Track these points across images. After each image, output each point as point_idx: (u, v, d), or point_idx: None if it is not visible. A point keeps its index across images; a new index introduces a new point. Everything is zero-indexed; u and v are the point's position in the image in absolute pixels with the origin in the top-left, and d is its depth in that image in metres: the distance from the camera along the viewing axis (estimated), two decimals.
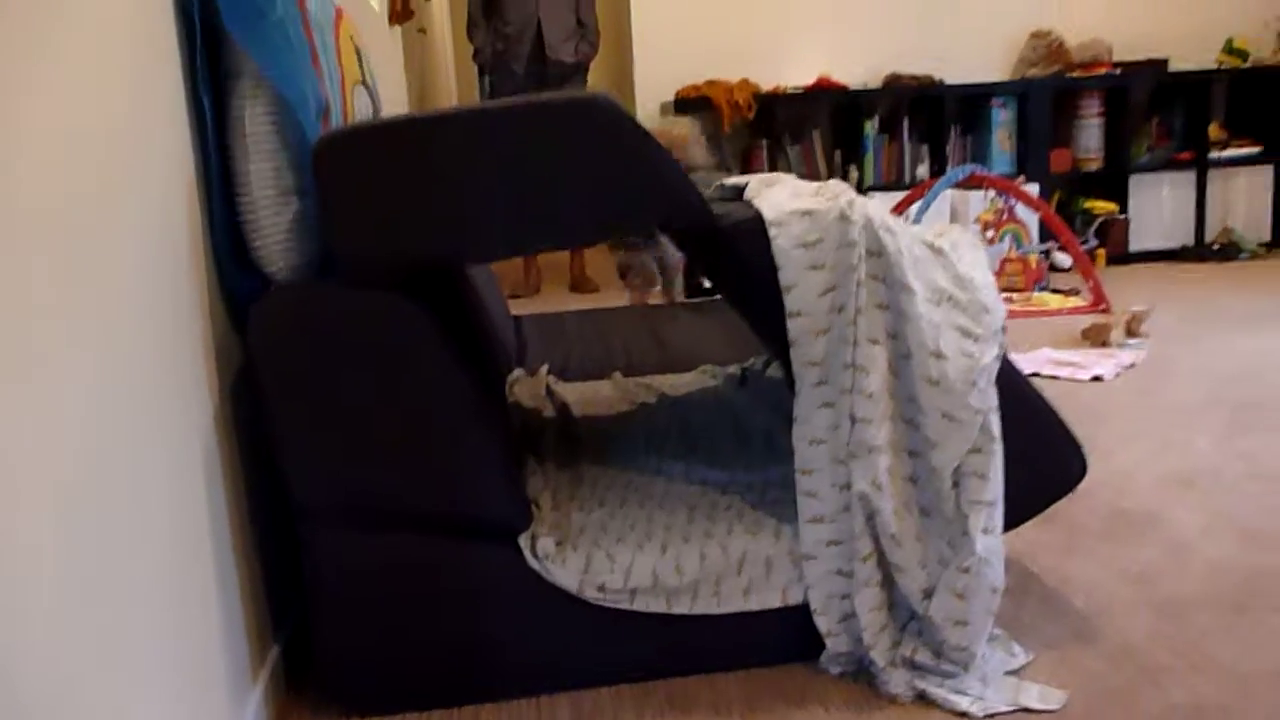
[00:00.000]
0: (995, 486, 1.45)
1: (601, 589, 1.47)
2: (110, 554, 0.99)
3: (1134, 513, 2.05)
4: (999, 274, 4.54)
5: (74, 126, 1.00)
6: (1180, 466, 2.29)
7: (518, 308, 4.40)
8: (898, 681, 1.47)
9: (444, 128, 1.33)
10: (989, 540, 1.45)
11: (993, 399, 1.46)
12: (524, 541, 1.48)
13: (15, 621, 0.80)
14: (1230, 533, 1.93)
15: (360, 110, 1.77)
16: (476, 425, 1.47)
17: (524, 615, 1.48)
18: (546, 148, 1.31)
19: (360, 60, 1.83)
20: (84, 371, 0.97)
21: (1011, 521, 1.54)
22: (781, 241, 1.43)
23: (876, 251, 1.45)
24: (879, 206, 1.49)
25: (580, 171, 1.32)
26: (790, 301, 1.45)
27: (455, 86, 9.57)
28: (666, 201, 1.35)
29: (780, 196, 1.49)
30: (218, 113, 1.42)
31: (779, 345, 1.50)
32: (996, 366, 1.48)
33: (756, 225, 1.44)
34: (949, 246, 1.54)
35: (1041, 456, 1.55)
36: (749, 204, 1.50)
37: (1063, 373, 3.20)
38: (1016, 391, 1.52)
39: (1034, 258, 4.51)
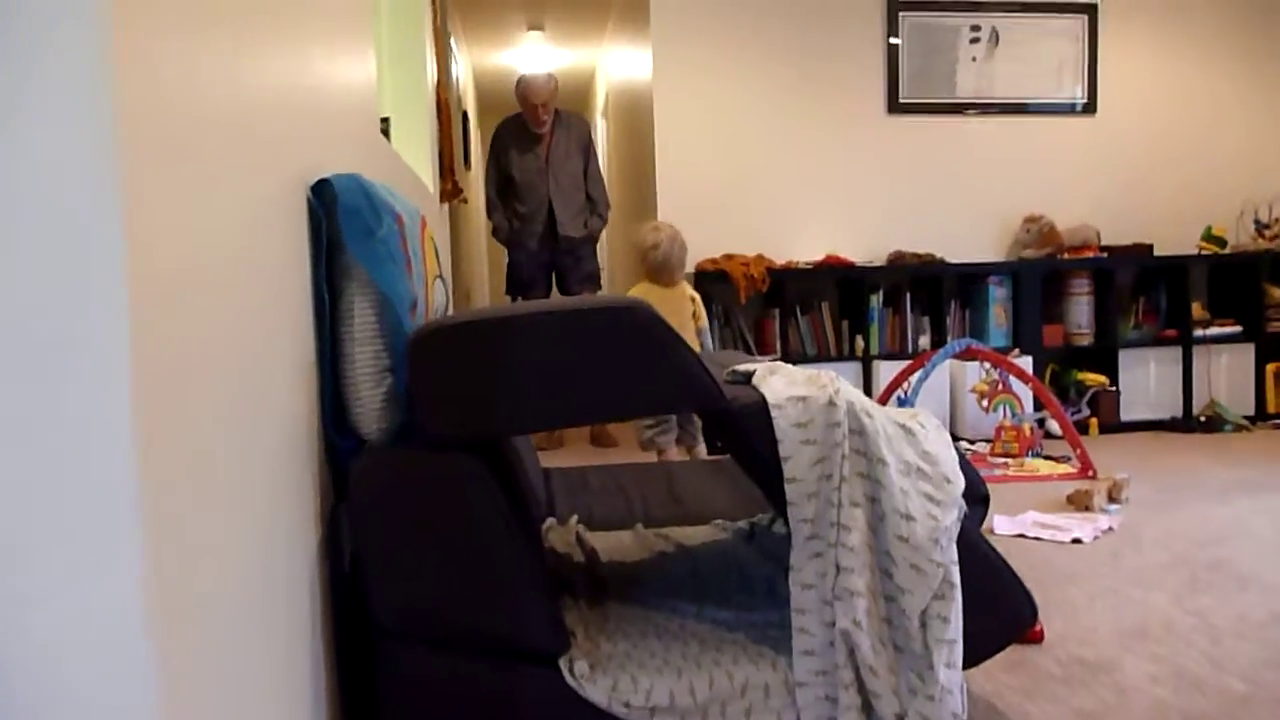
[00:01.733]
0: (956, 627, 1.75)
1: (627, 705, 1.76)
2: (246, 655, 1.30)
3: (1092, 661, 2.33)
4: (995, 440, 4.87)
5: (250, 313, 1.36)
6: (1138, 621, 2.57)
7: (544, 459, 4.73)
8: None
9: (510, 327, 1.69)
10: (950, 673, 1.73)
11: (953, 554, 1.77)
12: (563, 664, 1.78)
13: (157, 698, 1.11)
14: (1174, 679, 2.21)
15: (437, 299, 2.15)
16: (525, 565, 1.78)
17: None
18: (593, 346, 1.66)
19: (437, 256, 2.22)
20: (240, 500, 1.30)
21: (974, 659, 1.83)
22: (781, 421, 1.77)
23: (858, 430, 1.79)
24: (859, 393, 1.84)
25: (620, 366, 1.67)
26: (787, 469, 1.78)
27: (486, 247, 10.12)
28: (690, 390, 1.70)
29: (780, 384, 1.84)
30: (332, 305, 1.78)
31: (779, 503, 1.82)
32: (957, 528, 1.79)
33: (761, 408, 1.78)
34: (917, 427, 1.87)
35: (996, 603, 1.85)
36: (755, 389, 1.85)
37: (1045, 535, 3.48)
38: (974, 549, 1.83)
39: (1028, 426, 4.83)
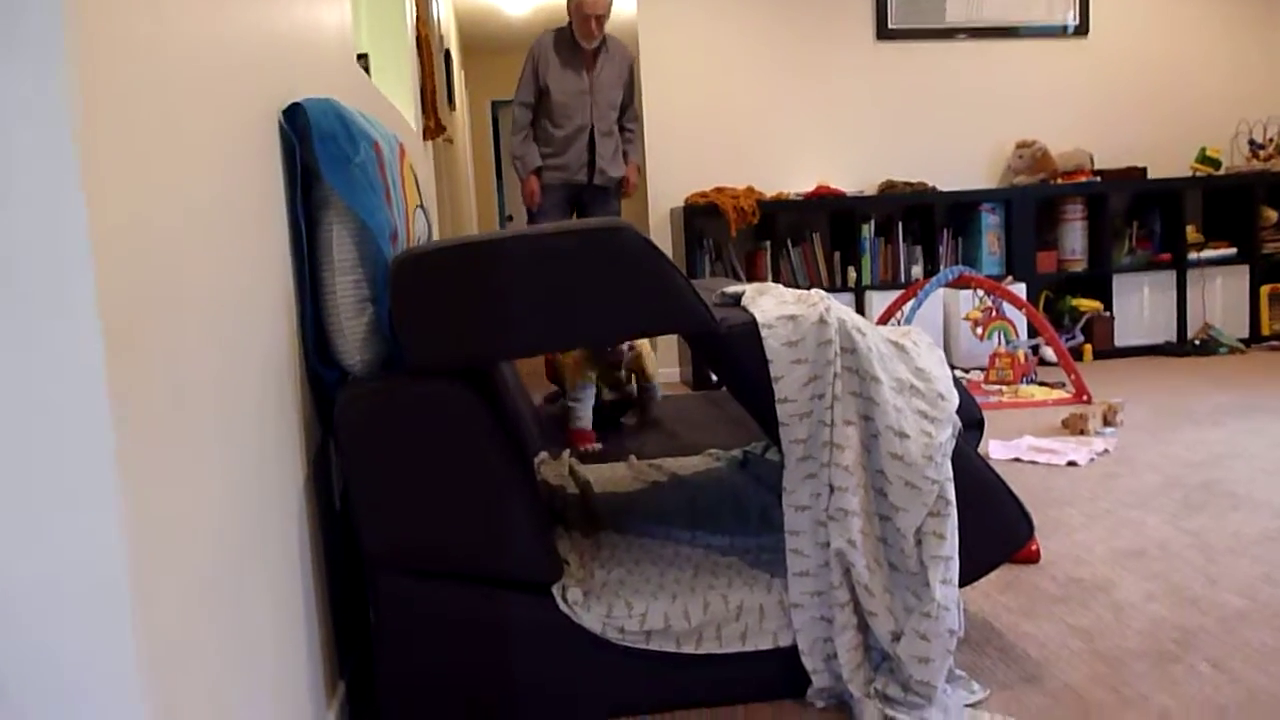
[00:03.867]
0: (951, 544, 1.73)
1: (621, 631, 1.75)
2: (237, 592, 1.28)
3: (1088, 580, 2.32)
4: (989, 367, 4.85)
5: (225, 248, 1.32)
6: (1133, 541, 2.56)
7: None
8: (871, 713, 1.73)
9: (496, 251, 1.65)
10: (947, 590, 1.72)
11: (948, 471, 1.75)
12: (556, 591, 1.76)
13: (161, 632, 1.09)
14: (1170, 596, 2.20)
15: (419, 229, 2.10)
16: (517, 492, 1.76)
17: (555, 653, 1.76)
18: (581, 268, 1.63)
19: (418, 187, 2.17)
20: (223, 437, 1.27)
21: (970, 575, 1.82)
22: (771, 341, 1.74)
23: (849, 348, 1.76)
24: (850, 311, 1.81)
25: (609, 288, 1.63)
26: (779, 390, 1.75)
27: (473, 185, 10.04)
28: (679, 311, 1.66)
29: (770, 304, 1.81)
30: (310, 236, 1.74)
31: (771, 426, 1.80)
32: (951, 444, 1.77)
33: (751, 328, 1.75)
34: (910, 345, 1.85)
35: (991, 519, 1.83)
36: (745, 310, 1.81)
37: (1041, 458, 3.47)
38: (969, 465, 1.81)
39: (1022, 353, 4.81)
